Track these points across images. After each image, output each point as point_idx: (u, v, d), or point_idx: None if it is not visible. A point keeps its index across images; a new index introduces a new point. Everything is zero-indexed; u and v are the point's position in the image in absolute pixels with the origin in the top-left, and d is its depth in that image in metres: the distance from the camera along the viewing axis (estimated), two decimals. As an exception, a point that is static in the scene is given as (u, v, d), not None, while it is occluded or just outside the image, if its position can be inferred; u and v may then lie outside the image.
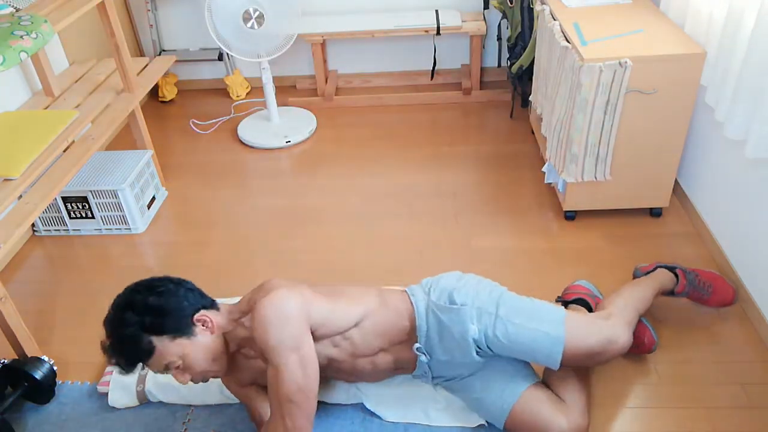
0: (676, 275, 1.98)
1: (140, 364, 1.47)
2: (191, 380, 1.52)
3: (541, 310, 1.60)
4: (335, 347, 1.58)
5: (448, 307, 1.60)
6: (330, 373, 1.66)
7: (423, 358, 1.64)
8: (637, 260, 2.25)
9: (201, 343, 1.49)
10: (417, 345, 1.62)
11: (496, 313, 1.57)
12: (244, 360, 1.61)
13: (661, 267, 2.01)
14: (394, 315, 1.62)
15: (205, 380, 1.56)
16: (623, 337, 1.60)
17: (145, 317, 1.43)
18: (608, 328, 1.60)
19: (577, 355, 1.56)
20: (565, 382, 1.65)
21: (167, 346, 1.45)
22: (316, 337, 1.52)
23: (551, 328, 1.55)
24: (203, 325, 1.51)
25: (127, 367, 1.46)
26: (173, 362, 1.47)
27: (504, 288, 1.67)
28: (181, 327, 1.47)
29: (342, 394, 1.79)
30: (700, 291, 1.98)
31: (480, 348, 1.59)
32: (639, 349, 1.84)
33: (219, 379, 1.82)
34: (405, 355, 1.65)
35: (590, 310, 1.86)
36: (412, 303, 1.65)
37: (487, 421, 1.70)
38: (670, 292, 1.97)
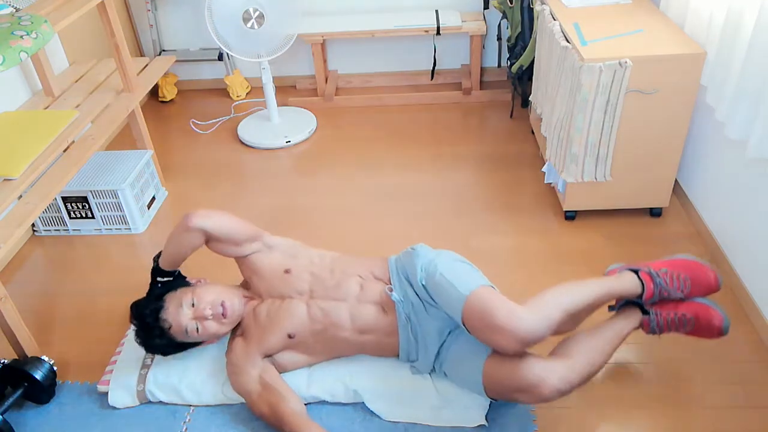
0: (641, 279, 1.75)
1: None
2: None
3: (469, 273, 1.69)
4: (312, 269, 1.83)
5: (408, 251, 1.84)
6: (317, 323, 1.76)
7: (395, 296, 1.74)
8: (637, 260, 2.24)
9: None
10: (388, 286, 1.78)
11: (437, 265, 1.72)
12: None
13: (625, 270, 1.80)
14: (369, 257, 1.91)
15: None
16: (525, 321, 1.49)
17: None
18: (514, 306, 1.53)
19: (474, 315, 1.55)
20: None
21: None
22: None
23: (462, 286, 1.62)
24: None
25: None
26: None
27: (462, 258, 1.78)
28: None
29: (342, 394, 1.79)
30: (674, 290, 1.74)
31: (427, 293, 1.72)
32: (709, 333, 1.73)
33: (218, 380, 1.82)
34: (383, 296, 1.76)
35: (637, 272, 1.75)
36: (388, 259, 1.89)
37: (486, 419, 1.70)
38: (637, 302, 1.75)
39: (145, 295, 1.89)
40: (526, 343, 1.50)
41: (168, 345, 1.78)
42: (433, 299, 1.72)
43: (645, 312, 1.74)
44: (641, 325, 1.75)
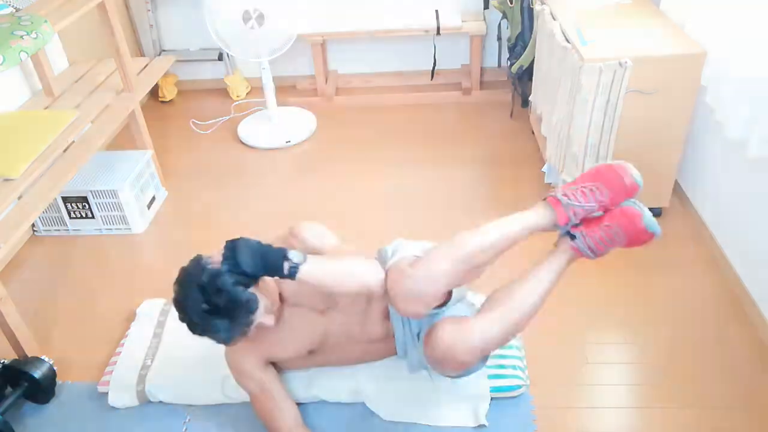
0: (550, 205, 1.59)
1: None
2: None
3: (405, 247, 1.61)
4: None
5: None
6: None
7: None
8: (637, 260, 2.25)
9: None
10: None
11: (395, 251, 1.61)
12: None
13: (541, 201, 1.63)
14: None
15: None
16: (409, 280, 1.42)
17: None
18: (403, 269, 1.46)
19: (388, 281, 1.49)
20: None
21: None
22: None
23: (398, 255, 1.56)
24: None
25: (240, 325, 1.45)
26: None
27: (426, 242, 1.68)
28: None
29: (342, 394, 1.79)
30: (586, 204, 1.57)
31: None
32: (641, 237, 1.57)
33: (218, 379, 1.82)
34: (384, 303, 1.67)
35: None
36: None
37: (486, 419, 1.70)
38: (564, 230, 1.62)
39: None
40: (413, 301, 1.42)
41: (229, 332, 1.47)
42: None
43: (572, 237, 1.60)
44: (577, 254, 1.60)
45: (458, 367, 1.48)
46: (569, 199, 1.57)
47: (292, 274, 1.41)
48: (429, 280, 1.43)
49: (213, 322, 1.42)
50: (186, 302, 1.43)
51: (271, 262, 1.42)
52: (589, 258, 1.61)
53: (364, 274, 1.51)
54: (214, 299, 1.39)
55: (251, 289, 1.43)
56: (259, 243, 1.44)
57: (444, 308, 1.58)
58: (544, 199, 1.61)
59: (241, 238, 1.44)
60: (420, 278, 1.43)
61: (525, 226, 1.57)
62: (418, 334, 1.70)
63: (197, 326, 1.45)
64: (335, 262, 1.52)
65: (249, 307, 1.43)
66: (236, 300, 1.40)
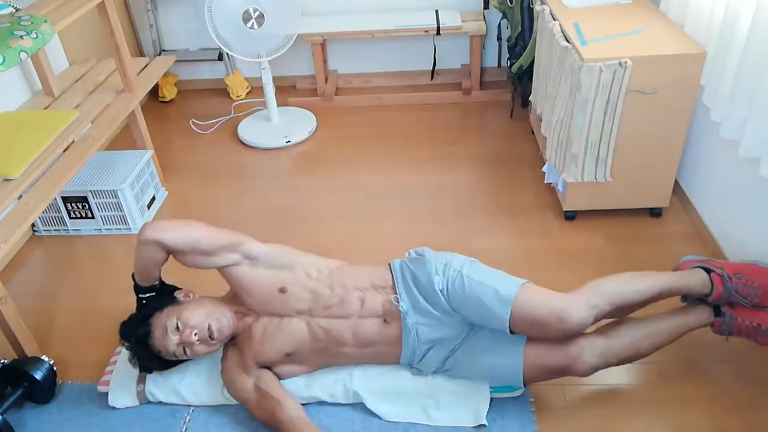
0: (711, 280, 1.72)
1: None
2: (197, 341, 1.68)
3: (503, 275, 1.70)
4: (309, 285, 1.72)
5: (414, 257, 1.79)
6: (320, 341, 1.72)
7: (402, 305, 1.70)
8: (637, 260, 2.25)
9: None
10: (394, 296, 1.71)
11: (460, 270, 1.70)
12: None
13: (697, 267, 1.77)
14: (369, 266, 1.82)
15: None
16: (576, 314, 1.56)
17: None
18: (563, 302, 1.59)
19: (525, 320, 1.60)
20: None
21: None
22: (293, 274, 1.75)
23: (503, 288, 1.63)
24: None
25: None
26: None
27: (473, 259, 1.78)
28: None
29: (341, 394, 1.79)
30: (744, 297, 1.70)
31: (446, 300, 1.69)
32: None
33: (218, 380, 1.82)
34: (386, 306, 1.72)
35: (709, 272, 1.74)
36: (389, 264, 1.82)
37: (486, 419, 1.70)
38: (703, 299, 1.75)
39: (134, 312, 1.81)
40: (573, 335, 1.59)
41: (160, 365, 1.76)
42: (452, 306, 1.69)
43: (718, 313, 1.72)
44: (712, 324, 1.74)
45: (563, 375, 1.65)
46: (732, 285, 1.69)
47: (134, 284, 1.83)
48: (592, 318, 1.59)
49: (132, 357, 1.75)
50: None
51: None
52: (719, 335, 1.76)
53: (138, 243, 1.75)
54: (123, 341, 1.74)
55: (151, 319, 1.69)
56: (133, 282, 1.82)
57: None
58: (707, 271, 1.73)
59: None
60: (585, 318, 1.58)
61: (680, 287, 1.72)
62: (431, 344, 1.74)
63: (136, 365, 1.76)
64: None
65: (139, 337, 1.69)
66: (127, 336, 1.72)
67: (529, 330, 1.63)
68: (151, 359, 1.72)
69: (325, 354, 1.76)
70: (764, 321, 1.70)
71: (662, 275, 1.72)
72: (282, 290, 1.71)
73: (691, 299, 1.79)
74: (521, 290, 1.63)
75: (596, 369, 1.61)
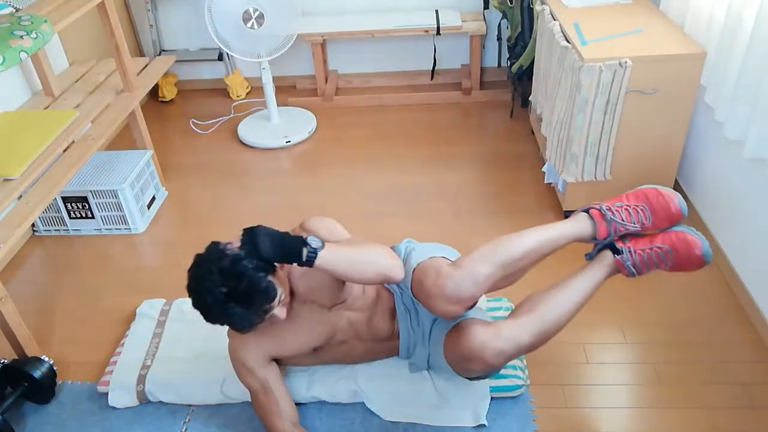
0: (592, 218, 1.62)
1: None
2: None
3: (429, 250, 1.64)
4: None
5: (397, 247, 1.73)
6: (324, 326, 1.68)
7: (394, 287, 1.71)
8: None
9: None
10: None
11: (410, 252, 1.66)
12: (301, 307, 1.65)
13: (580, 211, 1.67)
14: None
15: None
16: (449, 279, 1.45)
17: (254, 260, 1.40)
18: (442, 268, 1.49)
19: (414, 285, 1.55)
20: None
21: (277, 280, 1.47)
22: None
23: (415, 258, 1.60)
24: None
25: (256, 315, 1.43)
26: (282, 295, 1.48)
27: (450, 248, 1.72)
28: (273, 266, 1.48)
29: (342, 394, 1.79)
30: (632, 223, 1.59)
31: None
32: (691, 263, 1.58)
33: (218, 380, 1.82)
34: (390, 302, 1.71)
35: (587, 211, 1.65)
36: None
37: (486, 419, 1.70)
38: (597, 243, 1.63)
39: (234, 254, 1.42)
40: (453, 301, 1.45)
41: (246, 319, 1.44)
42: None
43: (616, 251, 1.61)
44: (619, 269, 1.61)
45: (483, 368, 1.50)
46: (613, 215, 1.59)
47: (310, 260, 1.40)
48: (471, 282, 1.46)
49: (230, 308, 1.38)
50: (203, 286, 1.38)
51: (290, 248, 1.40)
52: (629, 275, 1.62)
53: (382, 261, 1.51)
54: (233, 284, 1.36)
55: (270, 278, 1.42)
56: (276, 230, 1.44)
57: (469, 311, 1.59)
58: (587, 211, 1.63)
59: (259, 225, 1.43)
60: (462, 280, 1.45)
61: (563, 235, 1.60)
62: (429, 337, 1.71)
63: (213, 312, 1.41)
64: (353, 249, 1.51)
65: (267, 295, 1.41)
66: (256, 286, 1.38)
67: (417, 295, 1.54)
68: (254, 317, 1.43)
69: (340, 349, 1.74)
70: (665, 242, 1.58)
71: (538, 228, 1.61)
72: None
73: (593, 254, 1.66)
74: (428, 260, 1.57)
75: (506, 355, 1.47)
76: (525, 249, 1.55)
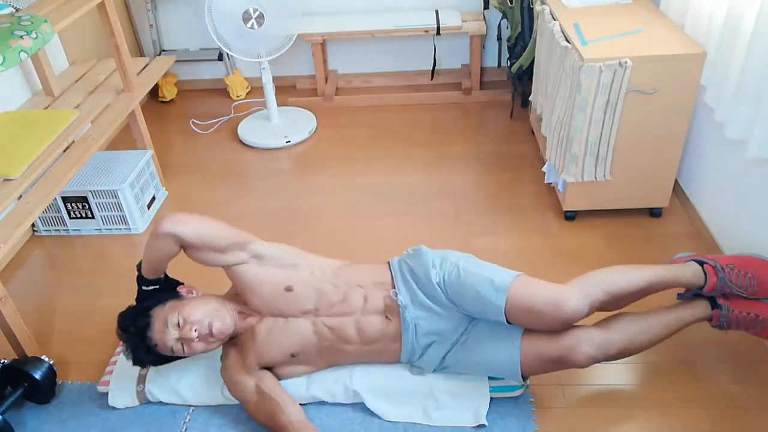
0: (705, 272, 1.73)
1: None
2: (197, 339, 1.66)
3: (499, 267, 1.72)
4: (314, 284, 1.74)
5: (411, 253, 1.81)
6: (323, 338, 1.72)
7: (401, 299, 1.71)
8: (637, 260, 2.24)
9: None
10: (393, 290, 1.73)
11: (456, 263, 1.73)
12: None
13: (692, 260, 1.79)
14: (369, 264, 1.84)
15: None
16: (572, 302, 1.57)
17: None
18: (557, 290, 1.61)
19: (521, 309, 1.61)
20: None
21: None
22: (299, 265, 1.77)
23: (498, 278, 1.66)
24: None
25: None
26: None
27: (470, 255, 1.81)
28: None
29: (342, 394, 1.79)
30: (738, 287, 1.71)
31: (443, 292, 1.71)
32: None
33: (218, 380, 1.82)
34: (387, 302, 1.74)
35: (702, 264, 1.76)
36: (389, 262, 1.84)
37: (486, 419, 1.70)
38: (697, 293, 1.76)
39: (133, 303, 1.78)
40: (569, 323, 1.59)
41: (155, 360, 1.71)
42: (449, 298, 1.70)
43: (715, 306, 1.73)
44: (710, 318, 1.74)
45: (562, 367, 1.64)
46: (725, 275, 1.71)
47: (140, 275, 1.79)
48: (587, 308, 1.60)
49: (128, 348, 1.69)
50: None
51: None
52: (717, 328, 1.76)
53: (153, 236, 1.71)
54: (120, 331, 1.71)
55: (152, 312, 1.67)
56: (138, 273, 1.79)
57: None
58: (701, 263, 1.74)
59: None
60: (580, 306, 1.58)
61: (674, 280, 1.73)
62: (430, 340, 1.74)
63: (130, 357, 1.71)
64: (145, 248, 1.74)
65: (137, 327, 1.66)
66: (121, 326, 1.70)
67: (524, 319, 1.63)
68: (147, 352, 1.67)
69: (329, 353, 1.76)
70: (762, 311, 1.71)
71: (655, 267, 1.74)
72: (288, 289, 1.71)
73: (686, 296, 1.80)
74: (516, 280, 1.65)
75: (594, 360, 1.59)
76: (639, 286, 1.69)
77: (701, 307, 1.74)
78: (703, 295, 1.75)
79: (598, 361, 1.60)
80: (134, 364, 1.72)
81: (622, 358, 1.66)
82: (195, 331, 1.63)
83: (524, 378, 1.70)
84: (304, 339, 1.72)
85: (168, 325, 1.63)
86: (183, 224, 1.66)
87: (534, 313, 1.60)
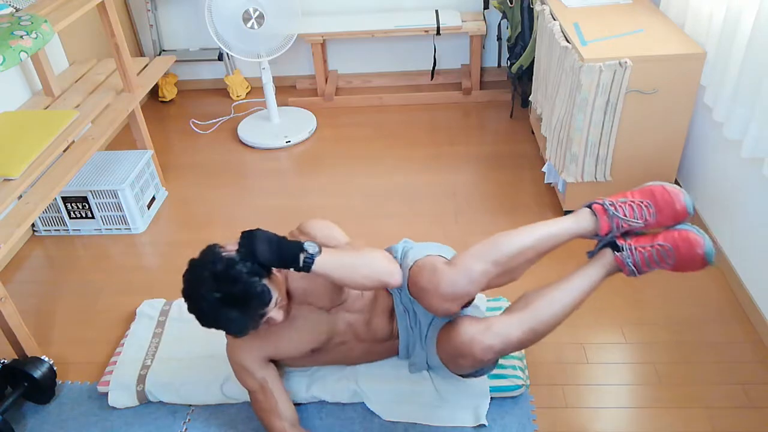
0: (594, 213, 1.58)
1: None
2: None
3: (426, 248, 1.62)
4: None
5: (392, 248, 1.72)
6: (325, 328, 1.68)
7: (394, 289, 1.69)
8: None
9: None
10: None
11: (407, 252, 1.64)
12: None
13: (584, 206, 1.63)
14: None
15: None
16: (444, 275, 1.44)
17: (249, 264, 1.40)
18: (437, 265, 1.48)
19: (411, 283, 1.51)
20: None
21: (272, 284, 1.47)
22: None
23: (416, 254, 1.59)
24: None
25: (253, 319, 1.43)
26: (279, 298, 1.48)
27: (447, 247, 1.70)
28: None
29: (342, 394, 1.79)
30: (634, 219, 1.55)
31: None
32: (693, 264, 1.53)
33: (218, 379, 1.82)
34: (389, 302, 1.70)
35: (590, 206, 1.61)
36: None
37: (486, 419, 1.70)
38: (600, 240, 1.60)
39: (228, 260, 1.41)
40: (449, 298, 1.43)
41: (241, 324, 1.43)
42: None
43: (617, 249, 1.57)
44: (619, 268, 1.58)
45: (472, 364, 1.49)
46: (616, 210, 1.55)
47: (307, 266, 1.39)
48: (466, 279, 1.44)
49: (225, 312, 1.38)
50: (197, 291, 1.38)
51: (287, 252, 1.40)
52: (629, 274, 1.58)
53: (380, 267, 1.48)
54: (227, 288, 1.36)
55: (265, 282, 1.41)
56: (274, 234, 1.43)
57: (465, 309, 1.59)
58: (589, 206, 1.59)
59: (257, 229, 1.43)
60: (457, 276, 1.44)
61: (564, 230, 1.56)
62: (425, 337, 1.71)
63: (208, 317, 1.40)
64: (350, 254, 1.49)
65: (263, 299, 1.40)
66: (251, 290, 1.38)
67: (413, 293, 1.51)
68: (249, 322, 1.43)
69: (339, 350, 1.75)
70: (667, 240, 1.54)
71: (539, 224, 1.58)
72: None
73: (595, 250, 1.63)
74: (425, 257, 1.55)
75: (495, 350, 1.45)
76: (522, 246, 1.53)
77: (605, 258, 1.58)
78: (606, 242, 1.58)
79: (503, 352, 1.47)
80: (205, 323, 1.44)
81: (534, 340, 1.50)
82: (281, 312, 1.51)
83: (464, 376, 1.61)
84: (326, 333, 1.67)
85: (276, 304, 1.47)
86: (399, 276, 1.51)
87: (418, 287, 1.47)
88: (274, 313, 1.47)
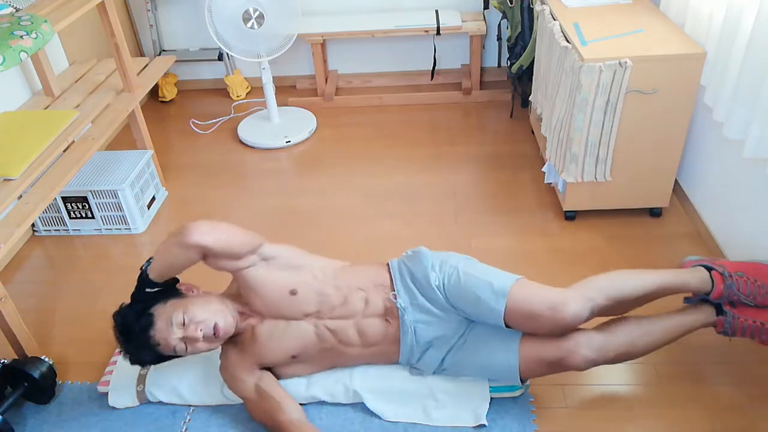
0: (712, 278, 1.71)
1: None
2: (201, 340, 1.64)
3: (499, 271, 1.71)
4: (316, 287, 1.73)
5: (410, 255, 1.81)
6: (324, 340, 1.72)
7: (400, 302, 1.71)
8: (638, 260, 2.25)
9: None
10: (392, 293, 1.73)
11: (456, 266, 1.73)
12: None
13: (698, 266, 1.76)
14: (369, 266, 1.84)
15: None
16: (571, 307, 1.56)
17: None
18: (557, 296, 1.59)
19: (520, 313, 1.60)
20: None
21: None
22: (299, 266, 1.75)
23: (498, 282, 1.65)
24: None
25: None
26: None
27: (468, 257, 1.80)
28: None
29: (342, 394, 1.79)
30: (746, 296, 1.68)
31: (443, 295, 1.70)
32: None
33: (218, 379, 1.82)
34: (387, 305, 1.73)
35: (710, 270, 1.74)
36: (388, 264, 1.84)
37: (486, 419, 1.70)
38: (704, 299, 1.74)
39: (129, 301, 1.70)
40: (568, 329, 1.59)
41: (155, 359, 1.67)
42: (449, 302, 1.70)
43: (720, 312, 1.71)
44: (714, 325, 1.72)
45: (564, 370, 1.64)
46: (732, 283, 1.68)
47: (144, 276, 1.66)
48: (588, 312, 1.58)
49: (127, 348, 1.66)
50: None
51: (139, 277, 1.69)
52: (721, 334, 1.73)
53: (172, 239, 1.63)
54: (120, 330, 1.65)
55: (153, 310, 1.63)
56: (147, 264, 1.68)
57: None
58: (707, 269, 1.72)
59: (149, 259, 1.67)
60: (580, 311, 1.57)
61: (681, 285, 1.70)
62: (429, 342, 1.73)
63: (130, 356, 1.67)
64: (158, 248, 1.65)
65: (142, 324, 1.61)
66: (126, 321, 1.64)
67: (523, 323, 1.63)
68: (149, 352, 1.63)
69: (329, 355, 1.76)
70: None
71: (661, 272, 1.71)
72: (293, 292, 1.70)
73: (693, 300, 1.78)
74: (516, 284, 1.65)
75: (593, 363, 1.59)
76: (644, 291, 1.67)
77: (706, 313, 1.72)
78: (709, 300, 1.72)
79: (597, 365, 1.60)
80: (133, 363, 1.69)
81: (622, 361, 1.65)
82: (200, 330, 1.61)
83: (523, 381, 1.70)
84: (305, 341, 1.72)
85: (172, 323, 1.60)
86: (209, 235, 1.59)
87: (533, 318, 1.59)
88: (184, 332, 1.61)
